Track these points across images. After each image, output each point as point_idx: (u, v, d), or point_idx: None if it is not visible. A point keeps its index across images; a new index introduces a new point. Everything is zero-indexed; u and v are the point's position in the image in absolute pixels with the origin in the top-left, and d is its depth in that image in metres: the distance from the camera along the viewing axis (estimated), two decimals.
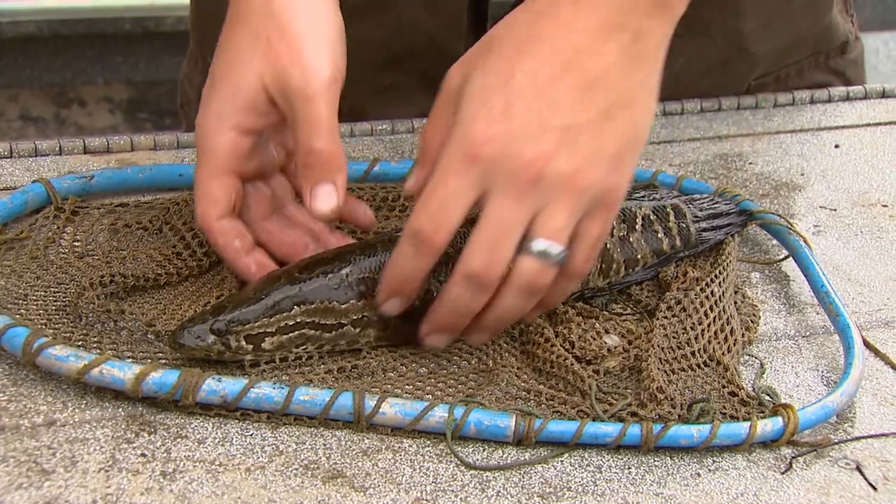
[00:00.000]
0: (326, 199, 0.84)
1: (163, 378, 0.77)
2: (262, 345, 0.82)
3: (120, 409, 0.78)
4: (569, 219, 0.79)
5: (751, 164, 1.18)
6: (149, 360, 0.82)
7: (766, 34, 1.27)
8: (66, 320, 0.85)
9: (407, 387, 0.83)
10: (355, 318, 0.84)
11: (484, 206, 0.78)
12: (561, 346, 0.86)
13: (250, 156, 0.88)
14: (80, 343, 0.83)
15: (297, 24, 0.85)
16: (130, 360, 0.81)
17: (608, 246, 0.92)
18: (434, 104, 0.83)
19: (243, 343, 0.82)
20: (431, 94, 0.87)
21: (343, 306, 0.84)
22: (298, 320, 0.83)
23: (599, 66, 0.79)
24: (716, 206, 1.01)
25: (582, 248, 0.81)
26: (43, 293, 0.88)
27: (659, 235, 0.95)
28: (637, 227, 0.94)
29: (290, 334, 0.83)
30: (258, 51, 0.85)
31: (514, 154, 0.77)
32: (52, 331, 0.83)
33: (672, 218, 0.96)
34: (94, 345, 0.83)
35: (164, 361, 0.82)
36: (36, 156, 1.09)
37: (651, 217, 0.95)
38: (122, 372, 0.77)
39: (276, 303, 0.82)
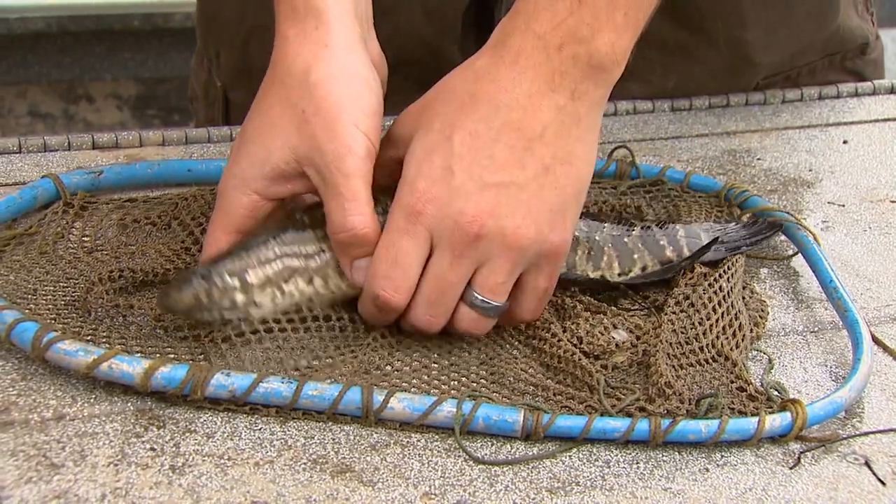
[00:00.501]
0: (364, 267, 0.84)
1: (172, 373, 0.77)
2: (247, 278, 0.82)
3: (129, 404, 0.78)
4: (509, 275, 0.83)
5: (759, 160, 1.18)
6: (158, 355, 0.82)
7: (770, 43, 1.28)
8: (75, 315, 0.86)
9: (414, 381, 0.83)
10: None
11: (428, 263, 0.83)
12: (569, 341, 0.86)
13: (267, 218, 0.88)
14: (89, 338, 0.83)
15: (334, 98, 0.85)
16: (139, 354, 0.81)
17: (598, 238, 0.93)
18: (384, 138, 0.87)
19: (227, 279, 0.82)
20: None
21: (320, 233, 0.84)
22: (277, 251, 0.83)
23: (537, 126, 0.82)
24: (742, 234, 1.00)
25: (527, 300, 0.86)
26: (52, 288, 0.88)
27: (661, 243, 0.95)
28: (635, 231, 0.94)
29: (273, 265, 0.83)
30: (293, 122, 0.85)
31: (454, 213, 0.81)
32: (61, 326, 0.84)
33: (682, 233, 0.96)
34: (104, 339, 0.83)
35: (172, 356, 0.82)
36: (45, 151, 1.09)
37: (653, 228, 0.96)
38: (131, 366, 0.78)
39: (252, 241, 0.84)
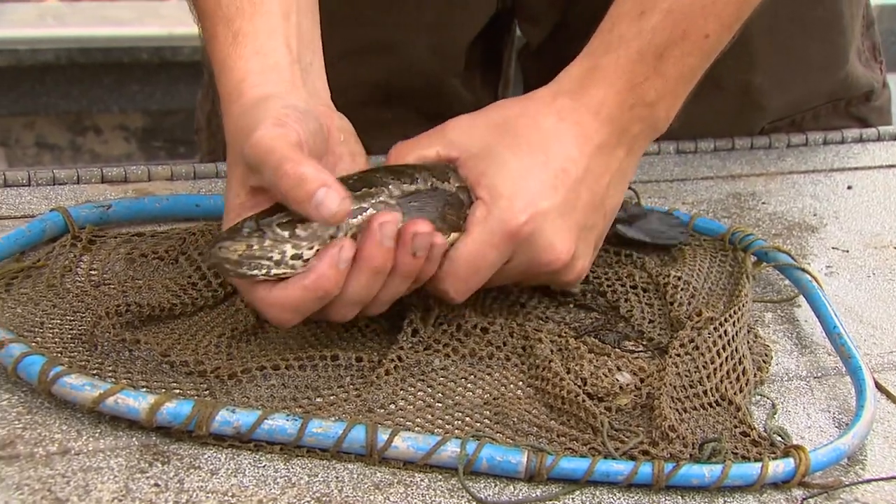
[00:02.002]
0: (329, 199, 0.81)
1: (177, 408, 0.78)
2: (297, 231, 0.82)
3: (134, 439, 0.79)
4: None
5: (764, 203, 1.19)
6: (163, 390, 0.82)
7: (778, 89, 1.29)
8: (81, 349, 0.86)
9: (418, 420, 0.83)
10: (375, 201, 0.85)
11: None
12: (573, 382, 0.86)
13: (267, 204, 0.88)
14: (95, 372, 0.83)
15: (256, 91, 0.88)
16: (145, 389, 0.81)
17: None
18: (425, 134, 0.92)
19: (277, 230, 0.82)
20: (428, 125, 0.91)
21: (357, 193, 0.84)
22: None
23: (608, 176, 0.92)
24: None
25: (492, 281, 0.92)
26: (59, 321, 0.89)
27: None
28: None
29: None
30: (235, 150, 0.87)
31: (544, 244, 0.89)
32: (67, 359, 0.84)
33: None
34: (109, 374, 0.83)
35: (178, 392, 0.83)
36: (54, 184, 1.10)
37: None
38: (136, 401, 0.78)
39: None
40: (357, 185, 0.85)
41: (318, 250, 0.83)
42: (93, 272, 0.96)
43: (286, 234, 0.82)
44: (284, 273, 0.82)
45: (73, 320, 0.89)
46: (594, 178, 0.91)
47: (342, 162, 0.92)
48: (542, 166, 0.89)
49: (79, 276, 0.95)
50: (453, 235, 0.88)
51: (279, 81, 0.90)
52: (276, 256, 0.82)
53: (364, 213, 0.85)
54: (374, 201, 0.85)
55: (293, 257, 0.82)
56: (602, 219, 0.93)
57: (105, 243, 1.00)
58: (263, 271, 0.82)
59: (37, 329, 0.87)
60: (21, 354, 0.81)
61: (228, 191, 0.88)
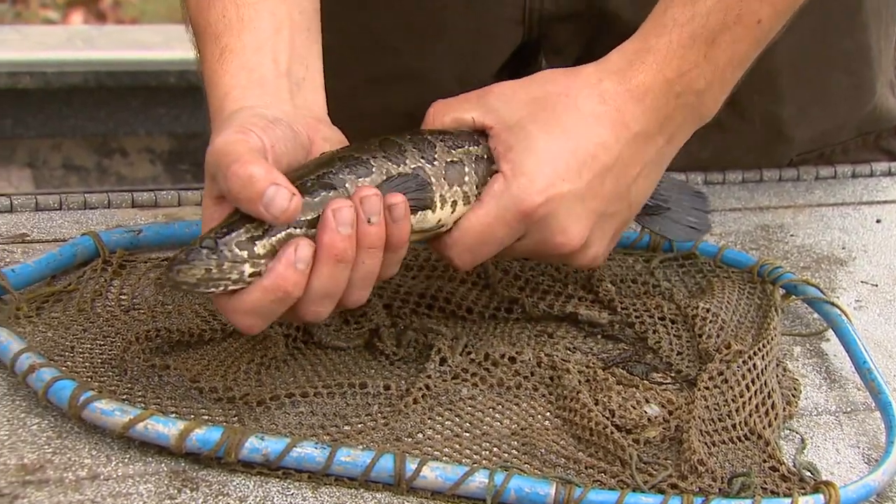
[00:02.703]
0: (279, 197, 0.79)
1: (206, 435, 0.78)
2: (255, 249, 0.80)
3: (163, 465, 0.79)
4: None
5: (792, 235, 1.18)
6: (192, 416, 0.82)
7: (805, 120, 1.29)
8: (111, 373, 0.86)
9: (446, 449, 0.83)
10: None
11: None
12: (601, 413, 0.86)
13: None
14: (124, 397, 0.83)
15: (236, 105, 0.88)
16: (174, 415, 0.82)
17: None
18: (466, 95, 0.92)
19: (236, 250, 0.80)
20: None
21: (316, 199, 0.82)
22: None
23: (640, 165, 0.91)
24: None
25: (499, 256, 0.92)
26: (89, 346, 0.89)
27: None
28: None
29: (279, 234, 0.80)
30: None
31: (557, 228, 0.87)
32: (97, 384, 0.84)
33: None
34: (139, 399, 0.84)
35: (207, 418, 0.83)
36: (85, 208, 1.10)
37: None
38: (166, 427, 0.78)
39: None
40: (314, 188, 0.83)
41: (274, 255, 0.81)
42: (123, 297, 0.96)
43: (244, 253, 0.80)
44: (243, 287, 0.81)
45: (104, 345, 0.90)
46: (623, 167, 0.90)
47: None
48: (571, 150, 0.88)
49: (109, 300, 0.96)
50: (462, 207, 0.88)
51: (262, 95, 0.89)
52: (235, 276, 0.80)
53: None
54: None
55: (252, 275, 0.80)
56: (627, 208, 0.92)
57: (135, 268, 1.00)
58: (221, 288, 0.80)
59: (67, 353, 0.88)
60: (52, 379, 0.81)
61: (205, 196, 0.86)
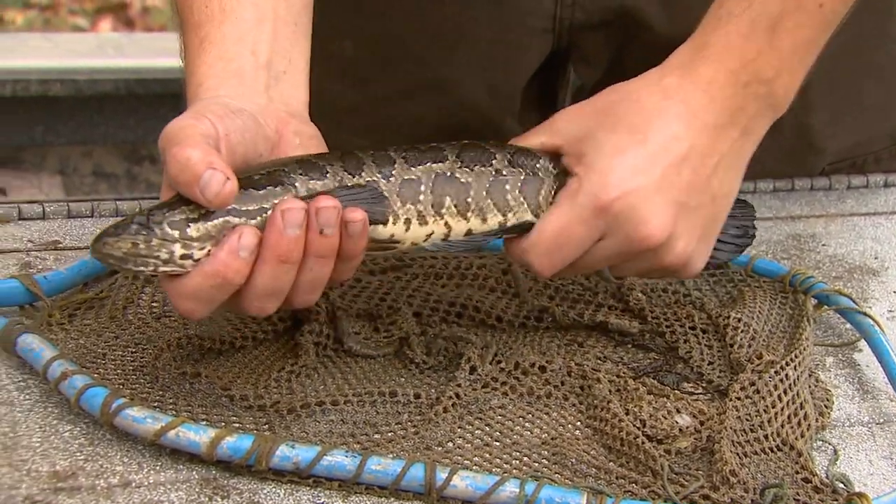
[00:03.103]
0: (214, 180, 0.78)
1: (238, 443, 0.78)
2: (188, 231, 0.79)
3: (194, 472, 0.79)
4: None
5: (824, 245, 1.18)
6: (223, 424, 0.82)
7: (837, 130, 1.28)
8: (143, 380, 0.86)
9: (476, 459, 0.83)
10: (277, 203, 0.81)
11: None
12: (632, 423, 0.86)
13: None
14: (156, 404, 0.84)
15: (208, 95, 0.87)
16: (205, 422, 0.82)
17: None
18: (535, 128, 0.90)
19: (168, 229, 0.79)
20: None
21: (261, 192, 0.81)
22: None
23: (716, 156, 0.89)
24: None
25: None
26: (121, 353, 0.90)
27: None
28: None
29: (215, 220, 0.80)
30: None
31: (637, 219, 0.86)
32: (129, 391, 0.85)
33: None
34: (170, 406, 0.84)
35: (237, 425, 0.83)
36: (116, 215, 1.10)
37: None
38: (197, 435, 0.78)
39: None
40: (261, 182, 0.82)
41: (209, 253, 0.80)
42: (154, 304, 0.97)
43: (176, 233, 0.79)
44: (174, 271, 0.80)
45: (135, 352, 0.90)
46: (699, 157, 0.88)
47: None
48: (639, 143, 0.87)
49: (141, 307, 0.96)
50: (416, 226, 0.86)
51: (236, 86, 0.88)
52: (164, 256, 0.79)
53: (265, 214, 0.81)
54: (276, 202, 0.81)
55: (182, 257, 0.79)
56: (711, 202, 0.89)
57: None
58: (150, 268, 0.80)
59: (99, 360, 0.88)
60: (84, 386, 0.81)
61: (161, 191, 0.85)
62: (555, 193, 0.89)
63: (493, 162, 0.88)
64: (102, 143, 2.84)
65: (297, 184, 0.82)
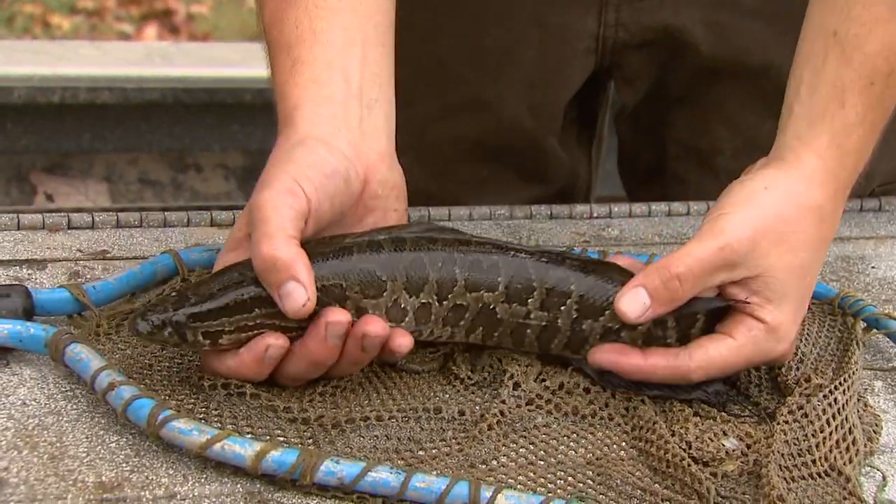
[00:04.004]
0: (295, 295, 0.82)
1: (283, 457, 0.78)
2: (220, 341, 0.83)
3: (238, 486, 0.79)
4: None
5: (873, 268, 1.17)
6: (268, 437, 0.83)
7: (885, 151, 1.26)
8: (188, 392, 0.87)
9: (520, 478, 0.83)
10: None
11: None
12: (678, 445, 0.85)
13: None
14: (201, 416, 0.84)
15: (305, 126, 0.89)
16: (250, 436, 0.82)
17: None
18: (710, 250, 0.88)
19: (200, 338, 0.83)
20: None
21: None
22: (259, 322, 0.84)
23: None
24: None
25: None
26: (167, 364, 0.90)
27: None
28: None
29: (249, 333, 0.84)
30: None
31: (782, 345, 0.91)
32: (175, 402, 0.85)
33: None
34: (215, 418, 0.84)
35: (282, 439, 0.83)
36: (164, 226, 1.11)
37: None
38: (242, 448, 0.78)
39: (239, 302, 0.83)
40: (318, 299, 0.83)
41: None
42: None
43: (207, 342, 0.84)
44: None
45: (181, 363, 0.90)
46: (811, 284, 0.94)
47: (371, 216, 0.92)
48: (808, 289, 0.92)
49: None
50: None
51: (332, 117, 0.89)
52: (191, 354, 0.87)
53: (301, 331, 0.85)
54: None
55: (206, 350, 0.85)
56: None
57: None
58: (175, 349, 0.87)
59: (146, 371, 0.88)
60: (131, 397, 0.81)
61: (239, 218, 0.89)
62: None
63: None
64: (148, 151, 2.85)
65: (348, 302, 0.85)
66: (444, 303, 0.88)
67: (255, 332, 0.84)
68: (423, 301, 0.88)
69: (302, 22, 0.92)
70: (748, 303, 0.89)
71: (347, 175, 0.88)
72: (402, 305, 0.87)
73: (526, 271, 0.90)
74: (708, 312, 0.91)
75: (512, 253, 0.90)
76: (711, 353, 0.88)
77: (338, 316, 0.82)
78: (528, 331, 0.91)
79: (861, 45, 0.90)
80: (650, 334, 0.91)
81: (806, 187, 0.91)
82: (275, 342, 0.83)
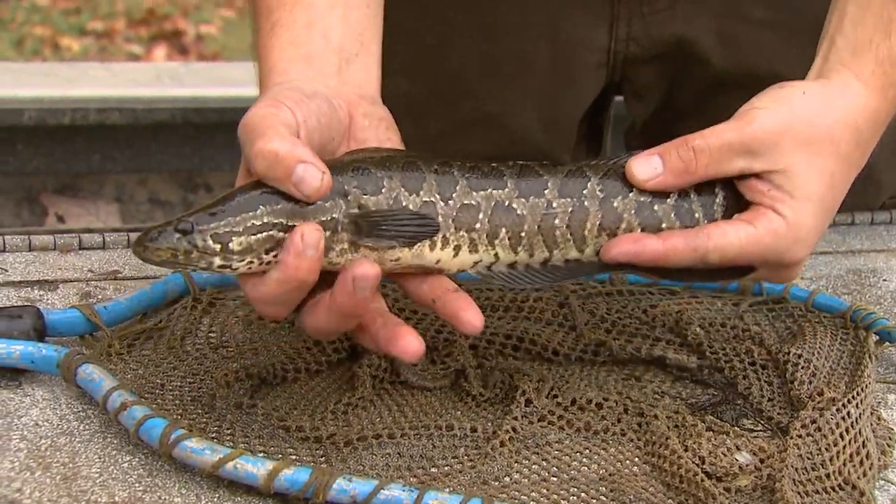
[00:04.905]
0: (309, 176, 0.79)
1: (295, 475, 0.78)
2: (230, 245, 0.80)
3: None
4: None
5: (885, 280, 1.16)
6: (280, 456, 0.82)
7: (893, 164, 1.26)
8: (200, 411, 0.87)
9: (533, 494, 0.82)
10: (325, 219, 0.81)
11: None
12: (691, 460, 0.85)
13: None
14: (213, 435, 0.84)
15: (280, 79, 0.88)
16: (262, 454, 0.82)
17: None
18: (731, 131, 0.88)
19: (210, 242, 0.80)
20: None
21: (310, 207, 0.81)
22: (265, 220, 0.80)
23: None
24: None
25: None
26: (179, 383, 0.90)
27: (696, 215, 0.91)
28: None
29: (258, 235, 0.80)
30: None
31: (799, 248, 0.89)
32: (187, 421, 0.85)
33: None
34: (227, 437, 0.84)
35: (294, 457, 0.83)
36: None
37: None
38: (255, 467, 0.78)
39: (243, 202, 0.81)
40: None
41: (249, 264, 0.80)
42: (212, 334, 0.97)
43: (217, 246, 0.80)
44: (222, 269, 0.81)
45: (193, 383, 0.90)
46: (846, 185, 0.92)
47: (365, 147, 0.89)
48: (830, 207, 0.90)
49: (199, 338, 0.96)
50: (467, 254, 0.85)
51: (306, 69, 0.89)
52: (203, 265, 0.80)
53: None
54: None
55: (220, 267, 0.80)
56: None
57: (224, 305, 1.01)
58: (190, 268, 0.82)
59: (157, 391, 0.89)
60: (143, 417, 0.82)
61: (238, 176, 0.86)
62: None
63: (546, 192, 0.88)
64: (158, 171, 2.86)
65: (349, 197, 0.82)
66: (451, 202, 0.85)
67: (264, 232, 0.80)
68: (425, 199, 0.84)
69: None
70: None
71: (329, 101, 0.86)
72: (404, 203, 0.84)
73: (532, 170, 0.88)
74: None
75: (511, 161, 0.88)
76: (730, 237, 0.87)
77: (365, 269, 0.78)
78: (556, 220, 0.87)
79: None
80: (679, 208, 0.89)
81: (845, 104, 0.90)
82: (308, 227, 0.79)
